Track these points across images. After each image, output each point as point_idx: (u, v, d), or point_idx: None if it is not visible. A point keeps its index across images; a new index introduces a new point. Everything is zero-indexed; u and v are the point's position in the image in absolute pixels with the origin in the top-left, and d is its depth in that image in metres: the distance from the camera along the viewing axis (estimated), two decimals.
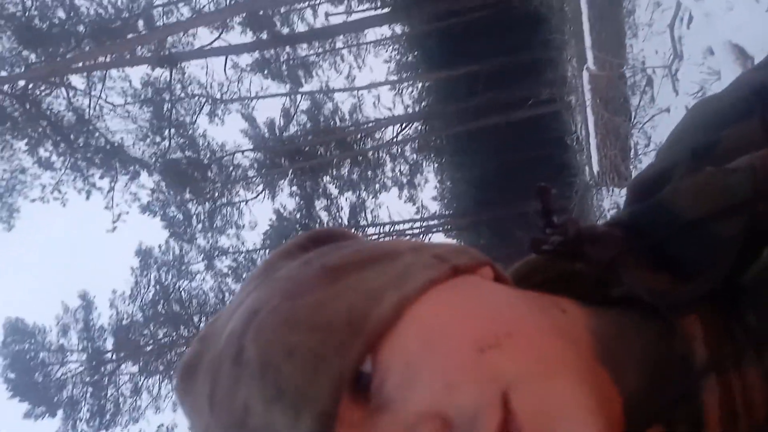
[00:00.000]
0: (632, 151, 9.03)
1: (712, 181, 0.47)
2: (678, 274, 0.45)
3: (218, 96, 18.71)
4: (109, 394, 17.04)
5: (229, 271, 18.76)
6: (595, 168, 9.90)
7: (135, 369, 17.36)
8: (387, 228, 19.57)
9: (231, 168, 18.78)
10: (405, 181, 19.99)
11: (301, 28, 18.88)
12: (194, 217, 18.52)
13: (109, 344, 17.57)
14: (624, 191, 9.54)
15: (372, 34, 18.82)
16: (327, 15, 19.25)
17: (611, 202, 10.41)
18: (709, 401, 0.40)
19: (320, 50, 19.29)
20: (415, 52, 18.84)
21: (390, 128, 18.90)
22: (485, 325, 0.43)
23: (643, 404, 0.42)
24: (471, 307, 0.45)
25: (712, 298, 0.43)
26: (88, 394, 16.98)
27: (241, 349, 0.44)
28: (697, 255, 0.45)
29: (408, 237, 19.67)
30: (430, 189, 21.06)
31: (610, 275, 0.48)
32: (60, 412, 16.67)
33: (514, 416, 0.37)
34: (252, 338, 0.44)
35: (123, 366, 17.39)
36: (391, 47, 19.61)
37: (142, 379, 17.24)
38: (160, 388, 16.77)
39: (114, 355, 17.39)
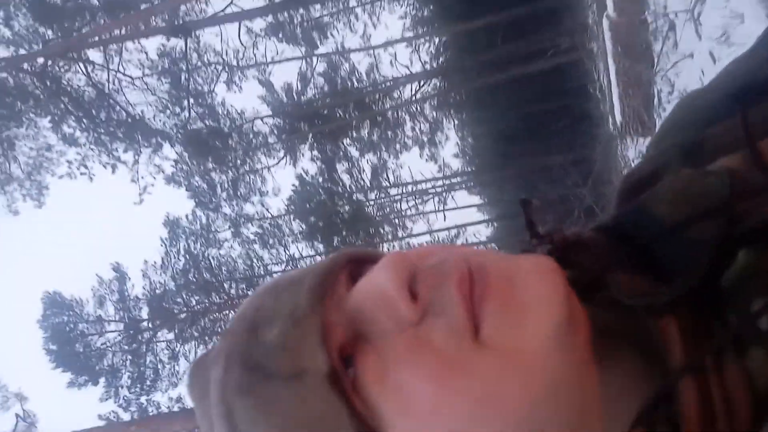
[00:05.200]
0: (655, 99, 8.81)
1: (689, 185, 0.47)
2: (661, 277, 0.46)
3: (234, 63, 18.61)
4: (147, 361, 17.58)
5: (256, 238, 19.01)
6: (618, 118, 9.70)
7: (171, 336, 17.85)
8: (410, 188, 19.52)
9: (251, 135, 18.80)
10: (426, 139, 19.78)
11: None
12: (218, 186, 18.68)
13: (145, 313, 18.03)
14: (648, 141, 9.35)
15: None
16: None
17: (636, 151, 10.19)
18: (686, 401, 0.39)
19: (334, 10, 18.97)
20: (431, 6, 18.41)
21: (408, 86, 18.63)
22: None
23: (625, 401, 0.43)
24: None
25: (695, 301, 0.43)
26: (128, 362, 17.54)
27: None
28: (677, 258, 0.46)
29: (431, 197, 19.64)
30: (451, 146, 20.85)
31: (598, 281, 0.49)
32: (102, 380, 17.28)
33: (476, 273, 0.43)
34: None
35: (159, 333, 17.87)
36: (405, 2, 19.19)
37: (179, 345, 17.72)
38: (195, 354, 17.21)
39: (150, 324, 17.86)
